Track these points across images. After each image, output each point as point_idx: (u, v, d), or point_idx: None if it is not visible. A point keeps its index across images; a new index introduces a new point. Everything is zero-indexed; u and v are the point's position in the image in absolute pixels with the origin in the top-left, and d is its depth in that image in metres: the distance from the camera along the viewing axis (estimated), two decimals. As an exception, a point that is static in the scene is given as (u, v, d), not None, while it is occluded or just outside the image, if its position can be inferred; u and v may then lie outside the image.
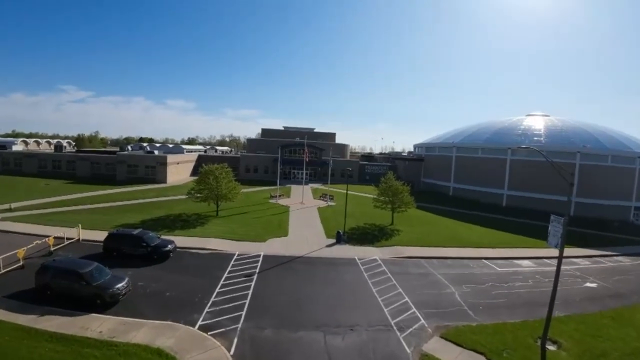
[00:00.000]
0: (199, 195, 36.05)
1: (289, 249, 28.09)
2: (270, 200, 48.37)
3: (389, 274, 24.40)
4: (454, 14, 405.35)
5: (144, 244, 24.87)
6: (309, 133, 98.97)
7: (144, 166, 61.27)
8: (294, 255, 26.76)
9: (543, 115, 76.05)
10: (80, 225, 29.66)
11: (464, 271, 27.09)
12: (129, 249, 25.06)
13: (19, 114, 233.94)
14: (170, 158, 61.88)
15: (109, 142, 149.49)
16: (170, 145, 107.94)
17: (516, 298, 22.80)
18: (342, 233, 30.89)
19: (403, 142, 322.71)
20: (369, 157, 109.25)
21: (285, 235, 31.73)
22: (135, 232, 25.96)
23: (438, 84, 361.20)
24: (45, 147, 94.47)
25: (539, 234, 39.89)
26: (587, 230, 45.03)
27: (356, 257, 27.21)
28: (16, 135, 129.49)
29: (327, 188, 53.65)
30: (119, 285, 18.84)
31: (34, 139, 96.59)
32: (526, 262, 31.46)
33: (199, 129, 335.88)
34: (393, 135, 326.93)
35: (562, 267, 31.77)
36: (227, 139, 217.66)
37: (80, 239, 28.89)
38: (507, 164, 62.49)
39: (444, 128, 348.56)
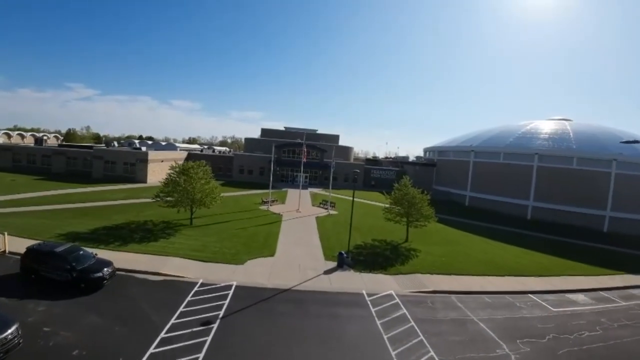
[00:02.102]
0: (169, 199, 28.82)
1: (273, 276, 20.75)
2: (261, 207, 41.07)
3: (412, 322, 17.01)
4: (454, 17, 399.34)
5: (68, 267, 17.79)
6: (311, 134, 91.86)
7: (122, 163, 54.24)
8: (279, 287, 19.38)
9: (564, 120, 69.11)
10: (6, 233, 22.63)
11: (511, 314, 19.78)
12: (49, 271, 18.08)
13: (25, 109, 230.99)
14: (152, 155, 54.83)
15: (103, 138, 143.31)
16: (163, 143, 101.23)
17: (593, 361, 15.62)
18: (345, 255, 23.52)
19: (407, 148, 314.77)
20: (374, 161, 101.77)
21: (272, 254, 24.39)
22: (61, 248, 18.89)
23: (442, 88, 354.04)
24: (30, 141, 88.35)
25: (580, 256, 33.26)
26: (626, 250, 38.20)
27: (364, 292, 19.80)
28: (18, 129, 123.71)
29: (328, 194, 46.36)
30: (-4, 339, 11.83)
31: (17, 132, 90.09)
32: (581, 296, 24.44)
33: (204, 130, 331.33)
34: (397, 141, 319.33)
35: (623, 304, 24.84)
36: (229, 140, 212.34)
37: (7, 251, 21.94)
38: (533, 171, 55.13)
39: (448, 134, 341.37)
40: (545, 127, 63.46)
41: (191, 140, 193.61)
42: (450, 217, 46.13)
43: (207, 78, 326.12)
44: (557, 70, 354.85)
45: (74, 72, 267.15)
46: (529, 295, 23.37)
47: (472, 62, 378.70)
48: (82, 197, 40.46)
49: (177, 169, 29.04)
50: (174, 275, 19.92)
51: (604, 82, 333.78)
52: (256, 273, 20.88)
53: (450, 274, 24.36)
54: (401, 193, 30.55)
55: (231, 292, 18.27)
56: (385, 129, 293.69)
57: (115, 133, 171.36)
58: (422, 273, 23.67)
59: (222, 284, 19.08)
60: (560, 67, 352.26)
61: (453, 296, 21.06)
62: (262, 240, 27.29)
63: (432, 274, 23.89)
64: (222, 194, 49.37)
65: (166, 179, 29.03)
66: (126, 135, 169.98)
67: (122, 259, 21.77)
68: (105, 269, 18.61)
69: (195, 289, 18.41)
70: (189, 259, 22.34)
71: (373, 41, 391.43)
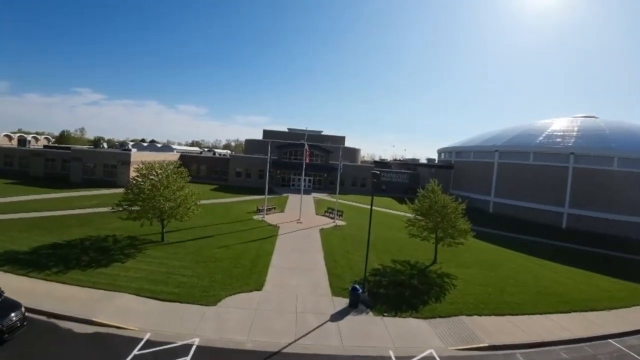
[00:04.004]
0: (135, 208, 22.49)
1: (256, 327, 14.15)
2: (255, 217, 34.55)
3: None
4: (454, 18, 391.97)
5: (-48, 314, 11.76)
6: (316, 135, 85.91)
7: (102, 165, 48.35)
8: (263, 348, 12.75)
9: (590, 117, 62.52)
10: None
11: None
12: None
13: (32, 114, 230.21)
14: (136, 156, 48.72)
15: (101, 141, 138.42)
16: (159, 145, 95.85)
17: None
18: (360, 289, 16.93)
19: (414, 151, 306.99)
20: (382, 163, 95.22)
21: (259, 287, 17.81)
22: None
23: (446, 90, 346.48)
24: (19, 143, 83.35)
25: (631, 274, 27.37)
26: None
27: (392, 354, 13.14)
28: (22, 133, 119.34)
29: (334, 200, 39.94)
30: None
31: (5, 134, 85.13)
32: (669, 337, 18.10)
33: (210, 134, 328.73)
34: (402, 145, 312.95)
35: None
36: (233, 144, 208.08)
37: None
38: (568, 173, 48.31)
39: (456, 136, 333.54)
40: (575, 124, 56.65)
41: (194, 144, 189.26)
42: (474, 227, 39.47)
43: (212, 82, 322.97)
44: (558, 71, 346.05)
45: (82, 77, 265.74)
46: (610, 341, 17.05)
47: (472, 64, 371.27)
48: (47, 204, 34.56)
49: (142, 171, 22.80)
50: (111, 326, 13.61)
51: (606, 81, 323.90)
52: (232, 322, 14.34)
53: (504, 314, 17.77)
54: (428, 201, 24.01)
55: (188, 358, 11.87)
56: (390, 133, 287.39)
57: (121, 137, 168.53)
58: (467, 314, 17.07)
59: (178, 343, 12.63)
60: (562, 67, 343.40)
61: (519, 353, 14.50)
62: (248, 264, 20.69)
63: (480, 314, 17.30)
64: (212, 201, 43.50)
65: (129, 183, 22.86)
66: (131, 139, 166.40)
67: (52, 294, 15.78)
68: (11, 315, 12.60)
69: (135, 352, 12.02)
70: (142, 295, 16.01)
71: (376, 44, 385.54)
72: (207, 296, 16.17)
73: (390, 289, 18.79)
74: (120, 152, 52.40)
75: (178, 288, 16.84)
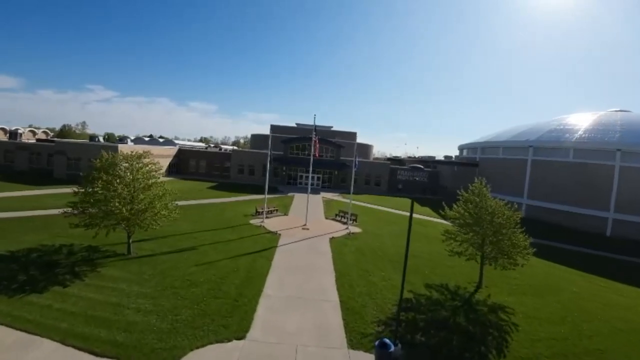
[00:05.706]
0: (91, 211, 17.36)
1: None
2: (252, 221, 29.13)
3: None
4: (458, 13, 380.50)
5: None
6: (325, 130, 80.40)
7: (87, 159, 43.63)
8: None
9: (625, 111, 55.87)
10: None
11: None
12: None
13: (45, 110, 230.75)
14: (124, 149, 43.68)
15: (104, 137, 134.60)
16: (161, 140, 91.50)
17: None
18: (391, 344, 11.21)
19: (426, 149, 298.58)
20: (397, 161, 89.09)
21: (242, 333, 12.15)
22: None
23: (460, 87, 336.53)
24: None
25: None
26: None
27: None
28: (32, 129, 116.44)
29: (348, 201, 34.44)
30: None
31: (1, 127, 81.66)
32: None
33: (219, 131, 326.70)
34: (415, 142, 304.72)
35: None
36: (242, 140, 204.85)
37: None
38: (615, 172, 41.94)
39: (471, 134, 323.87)
40: (615, 118, 50.03)
41: (202, 140, 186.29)
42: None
43: (222, 79, 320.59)
44: (565, 67, 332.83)
45: (94, 74, 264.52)
46: None
47: (483, 62, 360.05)
48: (15, 203, 30.02)
49: (99, 163, 17.62)
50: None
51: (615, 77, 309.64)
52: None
53: (595, 375, 12.18)
54: (473, 207, 18.40)
55: None
56: (401, 131, 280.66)
57: (132, 134, 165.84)
58: (547, 379, 11.53)
59: None
60: (569, 63, 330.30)
61: None
62: (232, 292, 15.22)
63: (565, 378, 11.73)
64: (207, 201, 37.10)
65: (82, 184, 17.72)
66: (140, 135, 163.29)
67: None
68: None
69: None
70: (69, 344, 10.81)
71: (383, 44, 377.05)
72: (163, 350, 10.79)
73: (430, 335, 13.17)
74: (107, 144, 47.67)
75: (124, 333, 11.55)
